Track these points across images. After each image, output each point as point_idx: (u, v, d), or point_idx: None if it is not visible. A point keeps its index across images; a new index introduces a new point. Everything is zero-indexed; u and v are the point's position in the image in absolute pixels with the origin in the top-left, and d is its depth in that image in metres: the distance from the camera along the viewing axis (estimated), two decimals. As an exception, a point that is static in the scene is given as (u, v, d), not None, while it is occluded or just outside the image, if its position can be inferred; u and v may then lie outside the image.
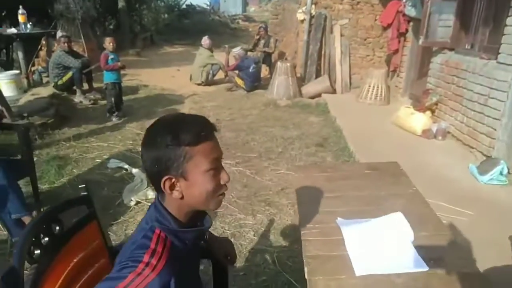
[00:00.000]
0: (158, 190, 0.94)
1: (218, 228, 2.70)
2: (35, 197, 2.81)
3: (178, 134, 0.90)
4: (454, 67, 4.39)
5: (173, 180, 0.92)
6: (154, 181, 0.94)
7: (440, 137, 4.39)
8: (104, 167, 3.69)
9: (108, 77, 5.31)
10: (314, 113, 5.92)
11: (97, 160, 3.87)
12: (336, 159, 3.99)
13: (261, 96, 6.91)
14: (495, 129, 3.55)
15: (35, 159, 3.64)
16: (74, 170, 3.62)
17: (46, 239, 0.98)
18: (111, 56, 5.23)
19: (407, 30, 6.12)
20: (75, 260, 1.05)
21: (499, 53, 3.58)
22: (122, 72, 5.61)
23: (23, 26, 6.46)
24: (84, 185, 1.14)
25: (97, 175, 3.51)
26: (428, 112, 4.68)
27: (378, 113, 5.65)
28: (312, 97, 6.74)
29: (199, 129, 0.92)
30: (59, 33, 6.77)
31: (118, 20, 12.86)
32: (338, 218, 1.50)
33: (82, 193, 1.14)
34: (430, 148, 4.22)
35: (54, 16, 8.45)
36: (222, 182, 0.97)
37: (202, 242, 1.07)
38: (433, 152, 4.11)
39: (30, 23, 6.74)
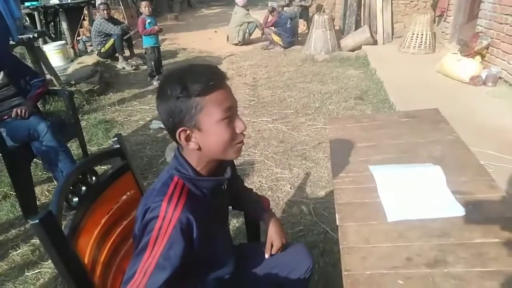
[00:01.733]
0: (176, 142, 0.96)
1: (255, 182, 2.77)
2: (84, 158, 3.00)
3: (187, 85, 0.89)
4: (508, 5, 3.99)
5: (188, 131, 0.93)
6: (171, 134, 0.95)
7: (490, 83, 4.08)
8: (147, 128, 3.86)
9: (147, 42, 5.40)
10: (353, 66, 5.72)
11: (141, 122, 4.04)
12: (376, 112, 3.87)
13: (298, 52, 6.74)
14: (553, 71, 3.25)
15: (83, 123, 3.89)
16: (120, 132, 3.80)
17: (84, 188, 1.06)
18: (148, 20, 5.28)
19: (456, -31, 5.57)
20: (112, 208, 1.13)
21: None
22: (161, 37, 5.67)
23: (64, -4, 6.64)
24: (116, 138, 1.19)
25: (141, 136, 3.69)
26: (478, 57, 4.33)
27: (422, 62, 5.34)
28: (352, 50, 6.47)
29: (208, 79, 0.90)
30: (98, 1, 6.90)
31: (155, -16, 12.85)
32: (370, 165, 1.47)
33: (115, 146, 1.20)
34: (478, 96, 3.96)
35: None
36: (237, 131, 0.96)
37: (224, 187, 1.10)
38: (482, 99, 3.86)
39: (71, -6, 6.91)
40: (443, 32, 6.01)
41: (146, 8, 5.22)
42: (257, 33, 7.78)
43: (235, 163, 2.81)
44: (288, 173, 2.86)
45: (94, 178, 1.11)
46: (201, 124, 0.91)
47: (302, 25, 8.25)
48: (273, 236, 1.28)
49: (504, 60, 4.08)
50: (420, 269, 0.99)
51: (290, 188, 2.68)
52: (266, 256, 1.29)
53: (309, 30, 7.09)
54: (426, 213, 1.17)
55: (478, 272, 0.96)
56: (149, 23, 5.25)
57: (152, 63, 5.43)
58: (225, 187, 1.09)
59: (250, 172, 2.91)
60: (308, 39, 6.76)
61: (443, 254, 1.02)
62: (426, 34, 5.77)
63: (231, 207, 1.41)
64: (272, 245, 1.29)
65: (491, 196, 1.23)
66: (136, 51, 6.72)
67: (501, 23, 4.13)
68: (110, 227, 1.11)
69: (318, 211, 2.37)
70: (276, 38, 7.03)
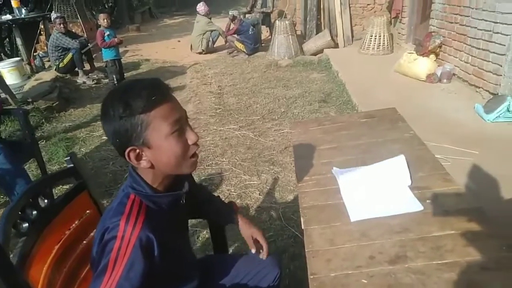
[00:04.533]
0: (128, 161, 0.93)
1: (224, 191, 2.75)
2: (44, 178, 2.89)
3: (129, 103, 0.86)
4: (456, 5, 4.19)
5: (137, 150, 0.90)
6: (120, 154, 0.93)
7: (445, 80, 4.27)
8: (111, 143, 3.75)
9: (107, 55, 5.30)
10: (316, 69, 5.83)
11: (104, 138, 3.92)
12: (340, 113, 3.96)
13: (263, 58, 6.80)
14: (500, 65, 3.43)
15: (43, 142, 3.75)
16: (82, 149, 3.70)
17: (35, 212, 1.01)
18: (107, 33, 5.20)
19: (407, -28, 5.81)
20: (68, 230, 1.08)
21: (502, -16, 3.40)
22: (123, 48, 5.57)
23: (17, 11, 6.42)
24: (69, 157, 1.15)
25: (104, 152, 3.59)
26: (432, 56, 4.52)
27: (381, 62, 5.50)
28: (314, 54, 6.59)
29: (150, 94, 0.87)
30: (53, 15, 6.71)
31: (115, -4, 12.68)
32: (334, 167, 1.50)
33: (68, 166, 1.16)
34: (435, 92, 4.12)
35: (49, -2, 8.36)
36: (190, 142, 0.94)
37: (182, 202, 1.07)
38: (438, 96, 4.02)
39: (25, 8, 6.68)
40: (399, 33, 6.23)
41: (105, 20, 5.13)
42: (221, 41, 7.79)
43: (200, 175, 2.78)
44: (256, 180, 2.86)
45: (46, 201, 1.06)
46: (150, 141, 0.89)
47: (265, 32, 8.34)
48: (251, 231, 1.29)
49: (456, 57, 4.27)
50: (383, 267, 1.01)
51: (259, 194, 2.68)
52: (253, 251, 1.28)
53: (272, 36, 7.17)
54: (387, 211, 1.20)
55: (436, 265, 0.99)
56: (108, 35, 5.17)
57: (114, 76, 5.33)
58: (184, 201, 1.06)
59: (218, 181, 2.89)
60: (271, 45, 6.83)
61: (404, 250, 1.05)
62: (384, 36, 5.96)
63: (198, 217, 1.39)
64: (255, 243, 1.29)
65: (446, 189, 1.28)
66: (97, 64, 6.56)
67: (451, 22, 4.33)
68: (66, 251, 1.05)
69: (287, 215, 2.38)
70: (239, 45, 7.06)
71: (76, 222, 1.12)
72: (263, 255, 1.29)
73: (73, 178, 1.16)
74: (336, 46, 6.71)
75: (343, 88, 4.68)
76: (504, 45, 3.38)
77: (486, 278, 0.94)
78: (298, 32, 7.24)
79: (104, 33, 5.15)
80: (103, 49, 5.27)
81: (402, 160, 1.40)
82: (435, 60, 4.54)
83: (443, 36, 4.50)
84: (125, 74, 5.98)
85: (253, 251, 1.28)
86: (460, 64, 4.18)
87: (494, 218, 1.23)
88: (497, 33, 3.46)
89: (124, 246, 0.85)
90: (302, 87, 5.03)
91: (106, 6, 12.83)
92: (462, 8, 4.06)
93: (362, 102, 3.96)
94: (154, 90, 0.89)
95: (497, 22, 3.45)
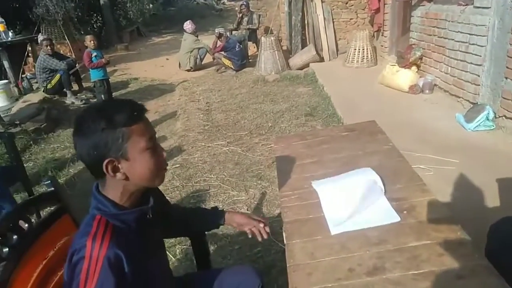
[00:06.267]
0: (99, 175, 0.97)
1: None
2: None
3: (112, 117, 0.92)
4: (433, 18, 4.32)
5: (115, 162, 0.94)
6: (94, 168, 0.95)
7: (427, 91, 4.37)
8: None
9: (95, 75, 5.33)
10: (302, 84, 5.92)
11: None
12: (326, 126, 4.01)
13: (250, 74, 6.89)
14: (478, 75, 3.54)
15: (31, 164, 3.73)
16: (71, 170, 3.69)
17: (15, 237, 1.02)
18: (94, 54, 5.24)
19: (386, -13, 5.97)
20: (49, 254, 1.09)
21: (475, -3, 3.52)
22: (111, 68, 5.60)
23: (3, 35, 6.45)
24: (49, 181, 1.16)
25: (93, 172, 3.56)
26: (414, 67, 4.64)
27: (365, 75, 5.62)
28: (300, 68, 6.69)
29: (132, 110, 0.95)
30: (40, 37, 6.74)
31: (102, 17, 12.76)
32: (314, 180, 1.53)
33: (49, 189, 1.17)
34: (417, 103, 4.21)
35: (35, 20, 8.41)
36: (161, 159, 1.02)
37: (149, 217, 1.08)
38: (421, 106, 4.11)
39: (11, 31, 6.70)
40: (382, 46, 6.37)
41: (91, 42, 5.18)
42: (208, 58, 7.87)
43: (188, 192, 2.75)
44: (244, 195, 2.88)
45: (27, 225, 1.07)
46: (128, 154, 0.94)
47: (252, 47, 8.45)
48: (247, 219, 1.37)
49: (437, 69, 4.38)
50: (361, 279, 1.03)
51: (247, 209, 2.69)
52: (265, 236, 1.36)
53: (258, 52, 7.28)
54: (365, 223, 1.23)
55: (413, 275, 1.01)
56: (95, 56, 5.21)
57: (102, 95, 5.35)
58: (150, 215, 1.07)
59: (206, 198, 2.90)
60: (258, 60, 6.93)
61: (382, 261, 1.07)
62: (367, 49, 6.10)
63: (177, 235, 1.41)
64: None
65: (423, 200, 1.31)
66: (85, 84, 6.59)
67: (430, 35, 4.46)
68: (47, 276, 1.04)
69: (275, 229, 2.36)
70: (226, 62, 7.14)
71: (58, 246, 1.13)
72: (264, 234, 1.37)
73: (55, 201, 1.17)
74: (321, 60, 6.83)
75: (329, 101, 4.75)
76: (480, 56, 3.49)
77: (460, 286, 0.96)
78: (284, 48, 7.36)
79: (91, 54, 5.19)
80: (90, 69, 5.31)
81: (371, 171, 1.43)
82: (416, 72, 4.65)
83: (423, 48, 4.62)
84: (114, 93, 6.00)
85: (265, 236, 1.38)
86: (441, 75, 4.28)
87: (469, 226, 1.27)
88: (473, 44, 3.58)
89: (93, 265, 0.87)
90: (289, 101, 5.09)
91: (95, 26, 12.92)
92: (439, 21, 4.19)
93: (346, 115, 4.02)
94: (134, 107, 0.97)
95: (472, 34, 3.58)
